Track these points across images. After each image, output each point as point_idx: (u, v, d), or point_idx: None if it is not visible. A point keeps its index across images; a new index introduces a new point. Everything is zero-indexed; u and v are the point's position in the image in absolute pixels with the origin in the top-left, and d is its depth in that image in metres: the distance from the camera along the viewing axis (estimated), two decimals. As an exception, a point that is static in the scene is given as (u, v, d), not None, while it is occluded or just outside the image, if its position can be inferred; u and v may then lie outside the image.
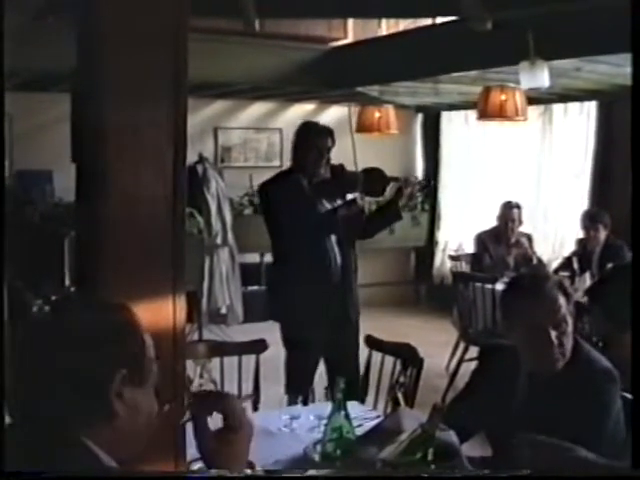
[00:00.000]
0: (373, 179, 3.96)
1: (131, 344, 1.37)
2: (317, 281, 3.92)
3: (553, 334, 2.20)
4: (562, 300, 2.23)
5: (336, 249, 3.97)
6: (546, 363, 2.26)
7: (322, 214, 3.90)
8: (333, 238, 3.97)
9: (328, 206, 3.95)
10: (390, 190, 4.03)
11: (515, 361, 2.33)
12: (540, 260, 6.15)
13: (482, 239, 6.27)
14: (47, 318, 1.46)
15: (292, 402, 2.87)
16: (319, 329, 3.91)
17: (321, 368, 4.09)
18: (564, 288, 2.27)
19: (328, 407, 2.35)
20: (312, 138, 3.97)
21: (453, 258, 6.86)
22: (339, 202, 3.98)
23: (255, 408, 3.20)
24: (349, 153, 4.10)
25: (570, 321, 2.24)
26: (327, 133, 4.01)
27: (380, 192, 4.04)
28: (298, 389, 3.10)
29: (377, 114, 7.18)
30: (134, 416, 1.36)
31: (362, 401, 3.17)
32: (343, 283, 4.00)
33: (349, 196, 4.04)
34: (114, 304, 1.44)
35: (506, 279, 5.67)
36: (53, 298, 5.30)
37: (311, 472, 1.99)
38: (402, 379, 3.07)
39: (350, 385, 2.29)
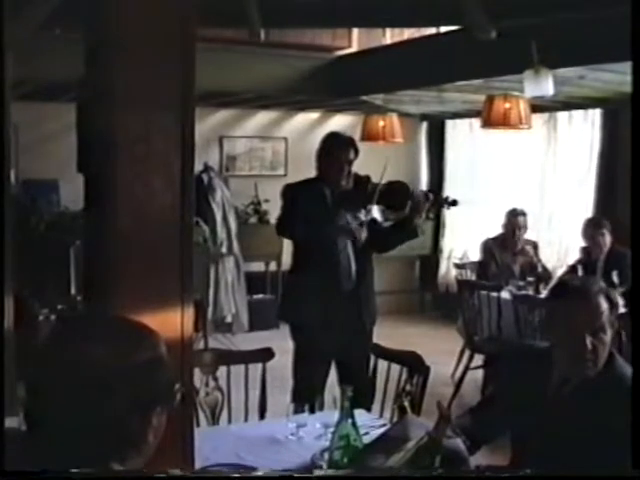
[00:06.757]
0: (394, 192, 3.91)
1: (165, 378, 1.38)
2: (330, 288, 3.92)
3: (589, 339, 2.18)
4: (605, 307, 2.21)
5: (352, 258, 3.96)
6: (577, 368, 2.24)
7: (338, 226, 3.90)
8: (349, 247, 3.97)
9: (347, 216, 3.93)
10: (410, 205, 3.92)
11: (547, 363, 2.32)
12: (545, 268, 6.15)
13: (489, 246, 6.25)
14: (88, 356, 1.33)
15: (298, 410, 2.87)
16: (329, 335, 3.91)
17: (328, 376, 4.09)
18: (610, 297, 2.25)
19: (335, 415, 2.36)
20: (335, 149, 3.97)
21: (458, 266, 6.85)
22: (362, 212, 3.96)
23: (262, 416, 3.21)
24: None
25: (609, 331, 2.21)
26: (350, 145, 4.00)
27: (401, 206, 3.95)
28: (305, 397, 3.10)
29: (381, 123, 7.18)
30: (157, 437, 1.39)
31: (368, 409, 3.17)
32: (357, 292, 4.00)
33: (373, 208, 3.98)
34: (148, 337, 1.40)
35: (511, 287, 5.70)
36: (59, 307, 5.32)
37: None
38: (408, 387, 3.07)
39: (361, 394, 2.28)
